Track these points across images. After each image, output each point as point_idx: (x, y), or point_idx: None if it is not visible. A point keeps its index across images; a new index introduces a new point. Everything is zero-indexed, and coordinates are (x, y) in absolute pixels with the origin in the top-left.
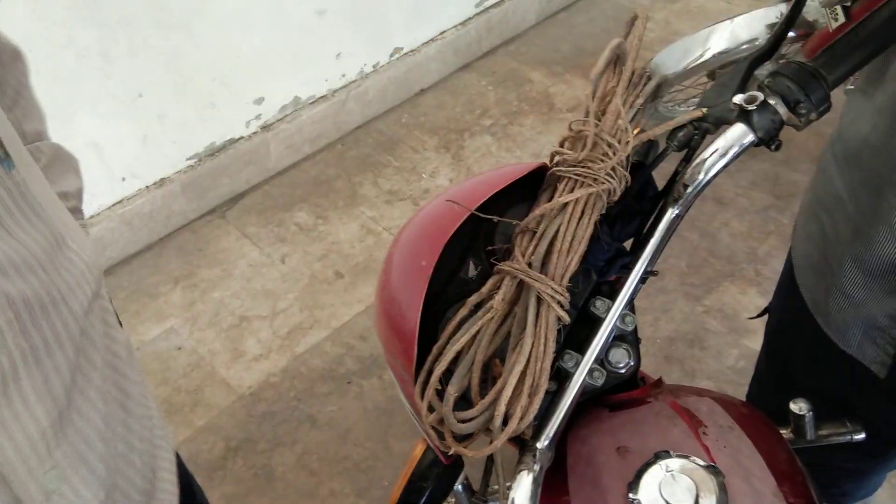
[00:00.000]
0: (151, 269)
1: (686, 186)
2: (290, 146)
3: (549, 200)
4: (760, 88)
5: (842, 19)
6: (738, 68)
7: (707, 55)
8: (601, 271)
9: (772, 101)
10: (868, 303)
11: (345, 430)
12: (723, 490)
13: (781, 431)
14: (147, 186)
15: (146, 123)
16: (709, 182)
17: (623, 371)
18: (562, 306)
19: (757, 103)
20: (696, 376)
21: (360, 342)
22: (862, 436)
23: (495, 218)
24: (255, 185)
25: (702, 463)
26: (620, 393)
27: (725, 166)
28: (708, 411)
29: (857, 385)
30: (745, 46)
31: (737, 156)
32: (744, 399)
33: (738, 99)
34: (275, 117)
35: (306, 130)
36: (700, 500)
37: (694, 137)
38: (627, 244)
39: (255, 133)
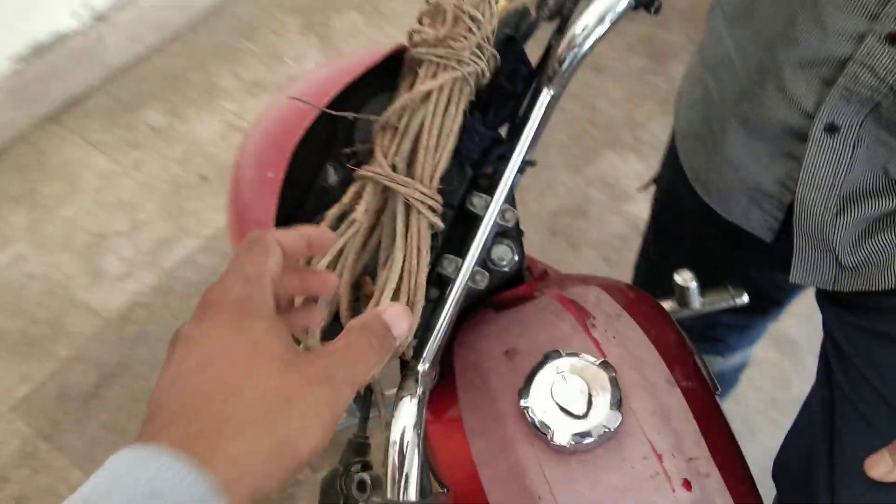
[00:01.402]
0: None
1: (561, 63)
2: (131, 38)
3: (411, 89)
4: None
5: None
6: None
7: None
8: (476, 164)
9: None
10: (752, 168)
11: None
12: (615, 385)
13: (667, 303)
14: None
15: None
16: (585, 55)
17: (507, 269)
18: (434, 211)
19: None
20: (580, 247)
21: None
22: (745, 299)
23: (351, 115)
24: (96, 85)
25: (592, 359)
26: (506, 291)
27: (602, 36)
28: (595, 301)
29: (744, 252)
30: None
31: (613, 22)
32: (631, 274)
33: None
34: (108, 5)
35: (148, 18)
36: (593, 399)
37: (565, 4)
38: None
39: (87, 25)
